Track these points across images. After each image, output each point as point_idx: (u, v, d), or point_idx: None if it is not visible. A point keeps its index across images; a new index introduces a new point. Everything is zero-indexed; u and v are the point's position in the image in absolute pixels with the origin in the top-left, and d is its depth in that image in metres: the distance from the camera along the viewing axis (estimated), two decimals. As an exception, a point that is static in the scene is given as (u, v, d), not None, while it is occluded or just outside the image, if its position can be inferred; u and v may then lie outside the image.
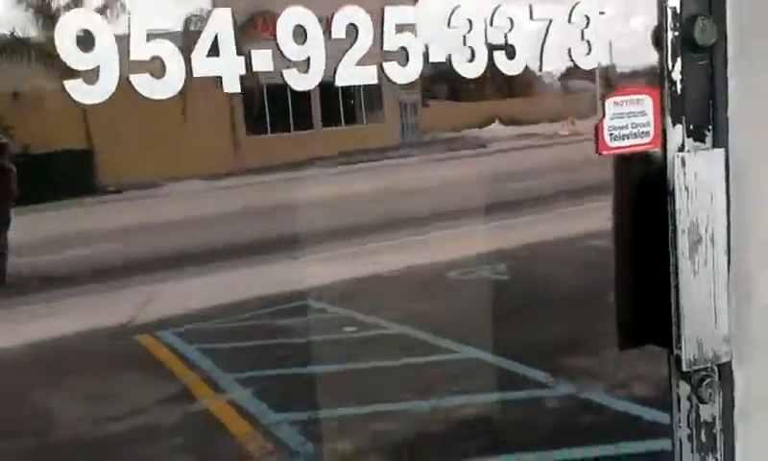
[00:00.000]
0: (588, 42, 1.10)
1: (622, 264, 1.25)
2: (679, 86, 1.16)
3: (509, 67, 1.06)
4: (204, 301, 7.55)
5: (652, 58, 1.16)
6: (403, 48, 0.99)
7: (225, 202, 17.37)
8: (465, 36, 1.03)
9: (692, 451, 1.22)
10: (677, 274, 1.16)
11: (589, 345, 5.07)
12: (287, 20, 0.93)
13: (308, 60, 0.95)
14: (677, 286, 1.16)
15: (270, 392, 4.79)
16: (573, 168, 16.17)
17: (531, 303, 6.36)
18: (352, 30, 0.96)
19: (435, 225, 10.95)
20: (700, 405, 1.21)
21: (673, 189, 1.14)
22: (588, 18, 1.09)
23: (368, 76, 0.99)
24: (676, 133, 1.17)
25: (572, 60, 1.10)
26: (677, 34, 1.14)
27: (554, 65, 1.09)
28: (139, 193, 21.76)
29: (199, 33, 0.91)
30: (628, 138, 1.15)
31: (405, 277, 7.88)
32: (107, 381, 5.38)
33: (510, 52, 1.05)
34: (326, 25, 0.95)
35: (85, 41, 0.85)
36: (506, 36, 1.05)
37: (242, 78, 0.93)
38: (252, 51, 0.94)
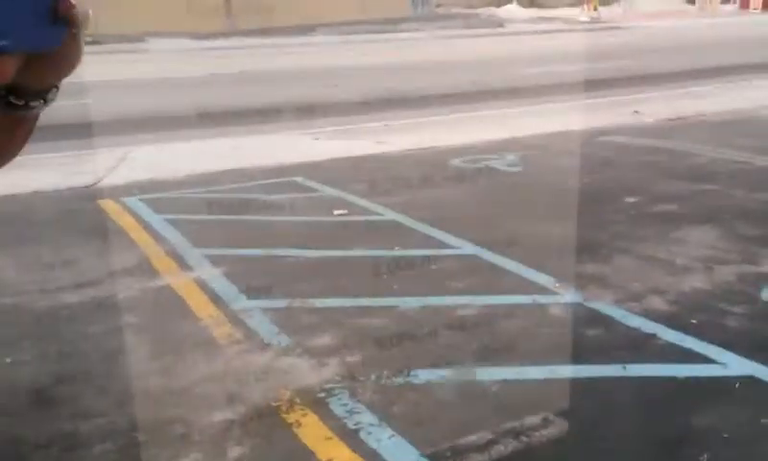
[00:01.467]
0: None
1: None
2: None
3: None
4: (177, 167, 7.02)
5: None
6: None
7: (219, 62, 16.65)
8: None
9: None
10: None
11: (602, 249, 4.59)
12: None
13: None
14: None
15: (243, 274, 4.29)
16: (593, 56, 15.50)
17: (540, 199, 5.82)
18: None
19: (440, 106, 10.35)
20: None
21: None
22: None
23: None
24: None
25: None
26: None
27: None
28: (122, 47, 20.92)
29: None
30: None
31: (405, 160, 7.31)
32: (61, 247, 4.87)
33: None
34: None
35: None
36: None
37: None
38: None
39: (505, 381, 3.05)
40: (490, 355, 3.26)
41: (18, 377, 3.22)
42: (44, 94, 0.66)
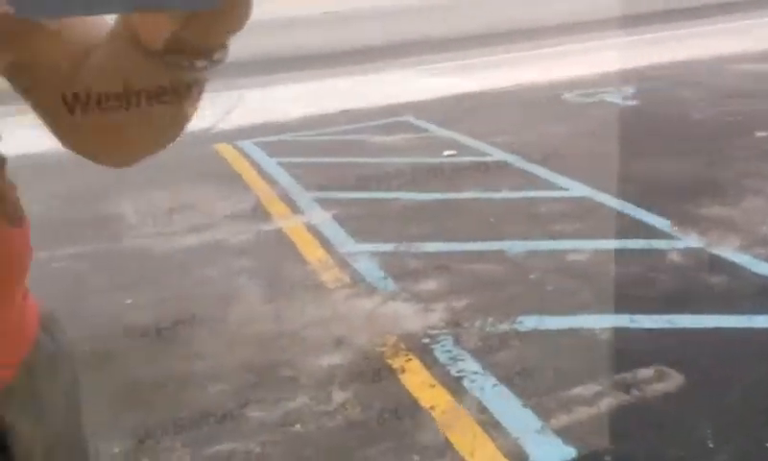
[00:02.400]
0: None
1: None
2: None
3: None
4: (290, 109, 7.09)
5: None
6: None
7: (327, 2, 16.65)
8: None
9: None
10: None
11: (728, 189, 4.32)
12: None
13: None
14: None
15: (352, 217, 4.31)
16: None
17: (659, 134, 5.54)
18: None
19: (550, 37, 9.97)
20: None
21: None
22: None
23: None
24: None
25: None
26: None
27: None
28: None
29: None
30: None
31: (516, 95, 7.10)
32: (179, 192, 5.04)
33: None
34: None
35: None
36: None
37: None
38: None
39: (616, 330, 2.94)
40: (601, 303, 3.16)
41: (137, 319, 3.37)
42: (210, 54, 0.60)
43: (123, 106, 0.61)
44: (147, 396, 2.77)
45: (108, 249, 4.25)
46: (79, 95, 0.61)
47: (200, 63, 0.60)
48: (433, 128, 6.14)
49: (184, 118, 0.66)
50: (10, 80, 0.68)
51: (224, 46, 0.60)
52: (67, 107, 0.62)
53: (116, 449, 2.44)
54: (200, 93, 0.64)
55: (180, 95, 0.62)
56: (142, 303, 3.53)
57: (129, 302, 3.56)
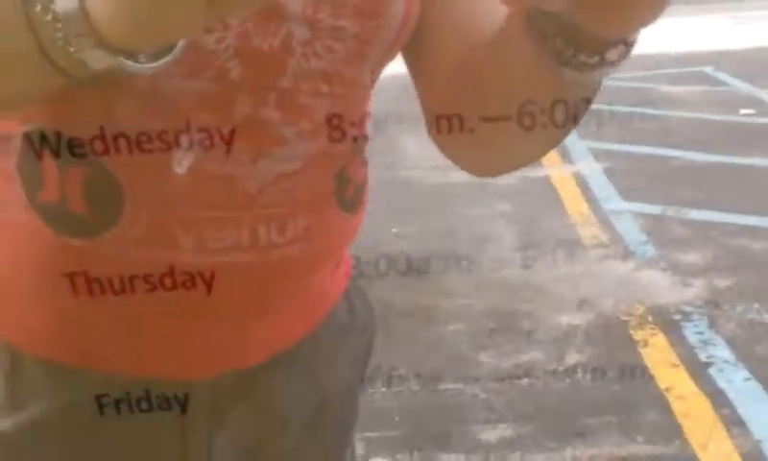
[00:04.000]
0: None
1: None
2: None
3: None
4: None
5: None
6: None
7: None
8: None
9: None
10: None
11: None
12: None
13: None
14: None
15: (623, 172, 4.14)
16: None
17: None
18: None
19: None
20: None
21: None
22: None
23: None
24: None
25: None
26: None
27: None
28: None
29: None
30: None
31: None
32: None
33: None
34: None
35: None
36: None
37: None
38: None
39: None
40: None
41: (399, 248, 3.56)
42: (605, 50, 0.48)
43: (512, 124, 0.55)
44: (392, 322, 2.95)
45: (384, 176, 4.50)
46: (456, 119, 0.58)
47: (591, 60, 0.48)
48: (733, 82, 5.61)
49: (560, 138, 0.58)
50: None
51: (626, 44, 0.48)
52: (438, 127, 0.60)
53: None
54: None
55: (578, 113, 0.53)
56: (405, 232, 3.72)
57: (394, 230, 3.77)
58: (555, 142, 0.60)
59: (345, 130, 0.62)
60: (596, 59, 0.47)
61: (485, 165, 0.70)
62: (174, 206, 0.57)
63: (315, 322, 0.70)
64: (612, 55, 0.47)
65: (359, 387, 0.78)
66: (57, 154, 0.55)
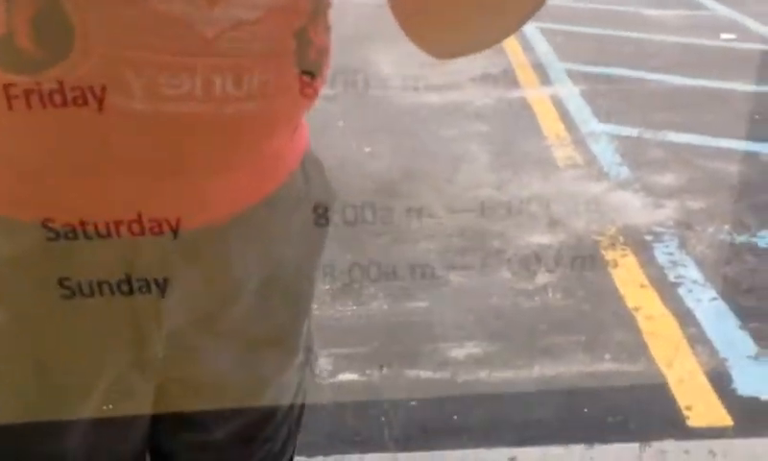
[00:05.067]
0: None
1: None
2: None
3: None
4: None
5: None
6: None
7: None
8: None
9: None
10: None
11: None
12: None
13: None
14: None
15: (601, 94, 4.08)
16: None
17: None
18: None
19: None
20: None
21: None
22: None
23: None
24: None
25: None
26: None
27: None
28: None
29: None
30: None
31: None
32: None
33: None
34: None
35: None
36: None
37: None
38: None
39: None
40: None
41: (372, 168, 3.51)
42: None
43: None
44: (363, 240, 2.91)
45: (358, 96, 4.41)
46: None
47: None
48: (714, 6, 5.53)
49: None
50: None
51: None
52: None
53: (326, 287, 2.62)
54: None
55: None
56: (379, 152, 3.66)
57: (368, 150, 3.71)
58: (513, 28, 0.60)
59: None
60: None
61: (443, 43, 0.66)
62: (124, 46, 0.53)
63: (270, 187, 0.68)
64: None
65: (315, 268, 0.77)
66: None
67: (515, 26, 0.60)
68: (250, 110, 0.60)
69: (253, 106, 0.60)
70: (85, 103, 0.54)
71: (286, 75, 0.62)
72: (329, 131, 3.91)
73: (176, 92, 0.55)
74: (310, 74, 0.64)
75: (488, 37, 0.63)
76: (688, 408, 2.00)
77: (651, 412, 1.99)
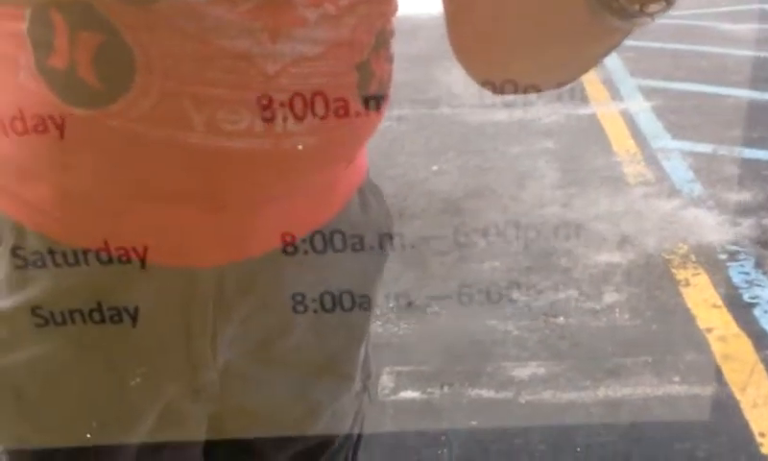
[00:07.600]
0: None
1: None
2: None
3: None
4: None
5: None
6: None
7: None
8: None
9: None
10: None
11: None
12: None
13: None
14: None
15: (674, 110, 3.99)
16: None
17: None
18: None
19: None
20: None
21: None
22: None
23: None
24: None
25: None
26: None
27: None
28: None
29: None
30: None
31: None
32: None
33: None
34: None
35: None
36: None
37: None
38: None
39: None
40: None
41: (438, 185, 3.51)
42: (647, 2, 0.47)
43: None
44: (426, 259, 2.91)
45: (425, 114, 4.43)
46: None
47: (654, 7, 0.47)
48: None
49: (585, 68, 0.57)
50: None
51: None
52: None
53: (390, 304, 2.62)
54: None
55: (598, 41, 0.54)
56: (446, 169, 3.66)
57: (435, 168, 3.71)
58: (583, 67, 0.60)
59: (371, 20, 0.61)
60: (636, 8, 0.48)
61: (491, 68, 0.66)
62: (186, 81, 0.53)
63: (326, 216, 0.68)
64: (653, 8, 0.48)
65: (373, 294, 0.76)
66: (69, 17, 0.52)
67: (584, 65, 0.59)
68: (309, 144, 0.59)
69: (314, 140, 0.59)
70: (146, 136, 0.54)
71: (347, 108, 0.61)
72: (397, 149, 3.93)
73: (235, 128, 0.55)
74: (372, 105, 0.63)
75: (562, 74, 0.62)
76: (762, 435, 1.92)
77: (722, 439, 1.92)
